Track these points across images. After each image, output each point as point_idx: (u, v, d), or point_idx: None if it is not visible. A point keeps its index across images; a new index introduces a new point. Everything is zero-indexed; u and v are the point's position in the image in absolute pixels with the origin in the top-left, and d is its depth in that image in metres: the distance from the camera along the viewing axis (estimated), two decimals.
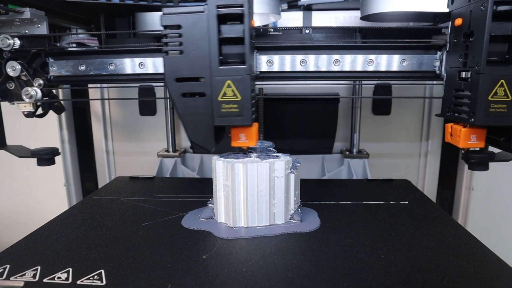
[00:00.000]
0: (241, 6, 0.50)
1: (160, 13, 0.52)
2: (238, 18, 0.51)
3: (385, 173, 1.09)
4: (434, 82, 1.01)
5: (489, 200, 1.07)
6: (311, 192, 0.72)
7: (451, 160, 1.10)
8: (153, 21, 0.85)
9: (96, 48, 0.82)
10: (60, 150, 1.07)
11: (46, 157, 0.69)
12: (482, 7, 0.48)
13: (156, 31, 0.87)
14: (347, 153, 1.04)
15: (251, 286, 0.41)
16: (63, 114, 1.11)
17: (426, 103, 1.08)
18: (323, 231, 0.55)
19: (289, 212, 0.59)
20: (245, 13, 0.50)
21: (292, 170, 0.58)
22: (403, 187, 0.77)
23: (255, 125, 0.56)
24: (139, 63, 0.64)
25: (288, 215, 0.59)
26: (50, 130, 1.10)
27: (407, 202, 0.67)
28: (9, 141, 0.72)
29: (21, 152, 0.70)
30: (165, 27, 0.52)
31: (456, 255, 0.48)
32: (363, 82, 1.00)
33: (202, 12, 0.50)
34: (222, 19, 0.51)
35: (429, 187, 1.13)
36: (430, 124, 1.09)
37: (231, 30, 0.52)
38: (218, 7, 0.50)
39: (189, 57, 0.52)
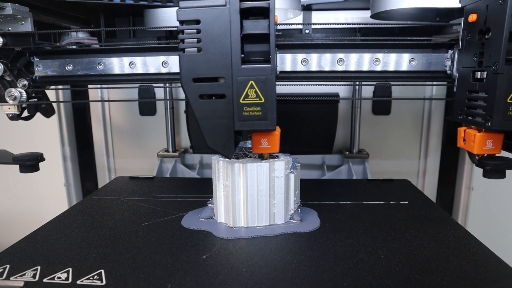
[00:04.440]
0: None
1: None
2: (261, 12, 0.47)
3: (385, 173, 1.09)
4: (444, 83, 1.01)
5: (489, 200, 1.07)
6: (311, 192, 0.72)
7: (451, 160, 1.10)
8: (163, 18, 0.84)
9: (83, 47, 0.79)
10: (60, 150, 1.07)
11: (28, 163, 0.64)
12: (500, 1, 0.45)
13: (160, 28, 0.87)
14: (347, 153, 1.04)
15: (251, 286, 0.41)
16: (63, 114, 1.11)
17: (426, 103, 1.08)
18: (323, 231, 0.55)
19: (289, 212, 0.59)
20: (271, 7, 0.46)
21: (292, 170, 0.58)
22: (403, 187, 0.77)
23: (278, 130, 0.53)
24: (130, 63, 0.61)
25: (288, 215, 0.59)
26: (50, 130, 1.10)
27: (407, 202, 0.67)
28: (8, 141, 0.71)
29: (2, 157, 0.65)
30: (182, 22, 0.48)
31: (456, 255, 0.48)
32: (364, 82, 1.00)
33: (224, 5, 0.46)
34: (245, 13, 0.47)
35: (429, 187, 1.13)
36: (430, 124, 1.09)
37: (255, 26, 0.48)
38: (242, 0, 0.46)
39: (208, 55, 0.48)
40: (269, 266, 0.45)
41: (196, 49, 0.48)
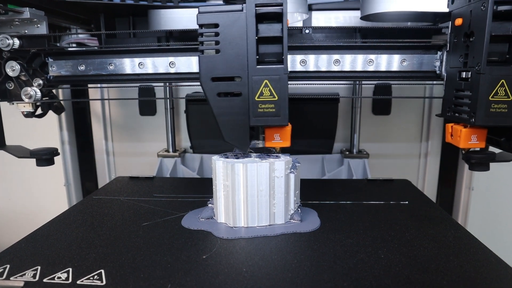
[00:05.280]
0: (281, 5, 0.50)
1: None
2: (275, 17, 0.51)
3: (385, 173, 1.09)
4: (434, 82, 1.01)
5: (489, 200, 1.07)
6: (311, 192, 0.72)
7: (451, 160, 1.10)
8: (167, 19, 0.85)
9: (95, 48, 0.82)
10: (60, 150, 1.07)
11: (45, 157, 0.68)
12: (482, 7, 0.48)
13: (160, 30, 0.87)
14: (347, 153, 1.04)
15: (251, 286, 0.41)
16: (63, 114, 1.11)
17: (426, 103, 1.08)
18: (323, 231, 0.55)
19: (289, 212, 0.59)
20: (284, 12, 0.50)
21: (292, 170, 0.58)
22: (403, 187, 0.77)
23: (289, 126, 0.57)
24: (139, 63, 0.64)
25: (288, 215, 0.58)
26: (50, 130, 1.10)
27: (407, 202, 0.67)
28: (9, 141, 0.71)
29: (20, 152, 0.69)
30: (201, 25, 0.52)
31: (456, 255, 0.48)
32: (363, 82, 1.00)
33: (241, 11, 0.50)
34: (259, 18, 0.51)
35: (429, 187, 1.13)
36: (430, 124, 1.09)
37: (269, 29, 0.52)
38: (257, 6, 0.50)
39: (225, 56, 0.52)
40: (269, 266, 0.45)
41: (214, 50, 0.52)
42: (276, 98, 0.53)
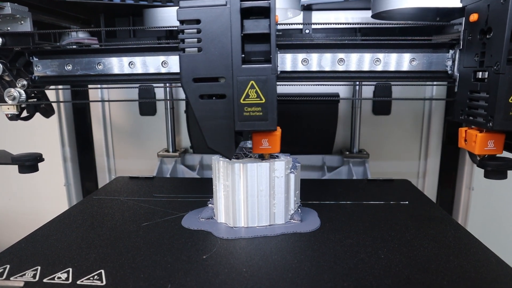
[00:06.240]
0: None
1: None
2: (262, 12, 0.47)
3: (385, 173, 1.09)
4: (437, 83, 1.01)
5: (489, 200, 1.07)
6: (311, 192, 0.72)
7: (451, 160, 1.10)
8: (162, 17, 0.83)
9: (83, 47, 0.80)
10: (60, 150, 1.07)
11: (28, 163, 0.63)
12: (502, 1, 0.45)
13: (160, 28, 0.86)
14: (347, 153, 1.04)
15: (251, 286, 0.41)
16: (63, 114, 1.11)
17: (426, 103, 1.08)
18: (323, 231, 0.55)
19: (289, 212, 0.59)
20: (272, 7, 0.46)
21: (292, 170, 0.58)
22: (403, 187, 0.77)
23: (278, 130, 0.53)
24: (129, 63, 0.61)
25: (288, 215, 0.58)
26: (50, 130, 1.10)
27: (407, 202, 0.67)
28: (8, 141, 0.71)
29: (1, 158, 0.64)
30: (182, 22, 0.48)
31: (456, 255, 0.48)
32: (365, 82, 1.00)
33: (224, 5, 0.46)
34: (245, 13, 0.47)
35: (429, 187, 1.13)
36: (430, 124, 1.09)
37: (256, 26, 0.47)
38: (242, 0, 0.46)
39: (208, 55, 0.48)
40: (269, 266, 0.45)
41: (196, 49, 0.48)
42: (263, 101, 0.49)
